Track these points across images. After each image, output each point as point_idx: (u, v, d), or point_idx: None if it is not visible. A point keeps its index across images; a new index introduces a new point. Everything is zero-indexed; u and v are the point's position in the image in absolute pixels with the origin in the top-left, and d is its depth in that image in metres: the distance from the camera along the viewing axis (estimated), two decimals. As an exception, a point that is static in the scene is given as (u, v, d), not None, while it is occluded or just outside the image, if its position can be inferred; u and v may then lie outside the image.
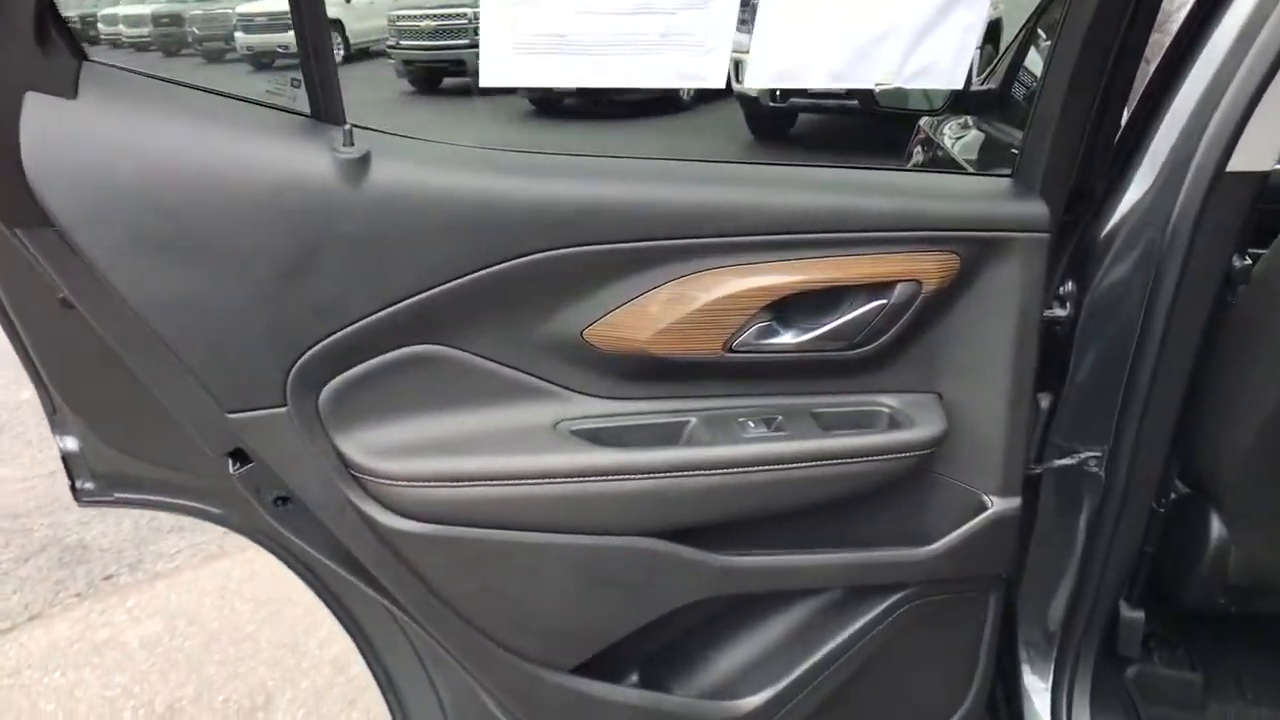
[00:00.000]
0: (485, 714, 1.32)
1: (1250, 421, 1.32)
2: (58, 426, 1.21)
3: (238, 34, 12.31)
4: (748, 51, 1.07)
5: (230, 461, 1.10)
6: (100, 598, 2.61)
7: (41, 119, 0.88)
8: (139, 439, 1.20)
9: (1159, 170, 1.19)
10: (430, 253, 1.02)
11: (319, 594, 1.32)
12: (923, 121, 3.70)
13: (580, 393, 1.17)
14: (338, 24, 12.25)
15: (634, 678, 1.35)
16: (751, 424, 1.18)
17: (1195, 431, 1.37)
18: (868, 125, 6.59)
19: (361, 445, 1.08)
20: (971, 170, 3.15)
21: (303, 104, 0.99)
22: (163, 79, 0.99)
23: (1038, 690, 1.48)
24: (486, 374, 1.12)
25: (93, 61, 0.93)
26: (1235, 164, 1.16)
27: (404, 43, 11.18)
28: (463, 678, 1.30)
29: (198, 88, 1.01)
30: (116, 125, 0.92)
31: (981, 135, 3.34)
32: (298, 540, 1.17)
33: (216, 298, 0.97)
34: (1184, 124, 1.17)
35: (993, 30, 5.25)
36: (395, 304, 1.02)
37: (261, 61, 11.75)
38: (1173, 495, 1.43)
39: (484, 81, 1.03)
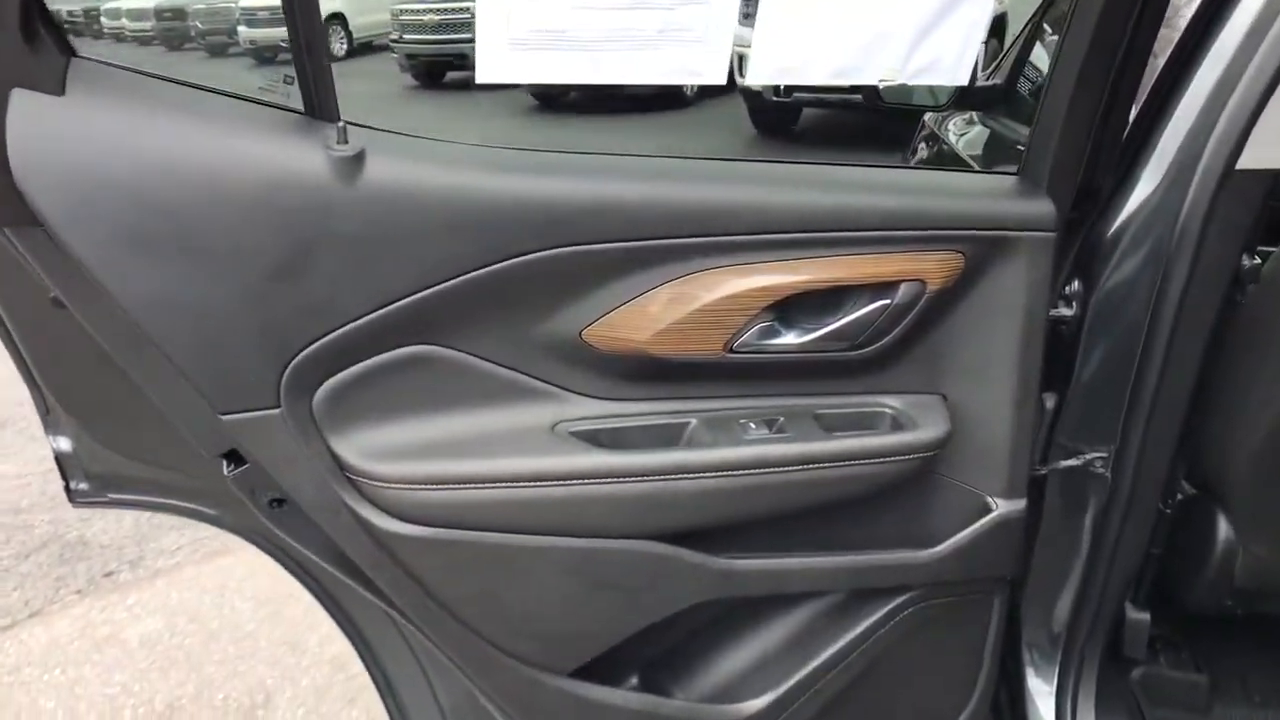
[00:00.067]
0: (485, 718, 1.31)
1: (1258, 422, 1.30)
2: (51, 427, 1.20)
3: (241, 28, 12.30)
4: (750, 46, 1.06)
5: (225, 463, 1.09)
6: (101, 595, 2.61)
7: (28, 116, 0.86)
8: (133, 439, 1.19)
9: (1167, 168, 1.18)
10: (426, 252, 1.00)
11: (316, 596, 1.31)
12: (927, 117, 3.68)
13: (579, 394, 1.15)
14: (340, 18, 12.27)
15: (634, 681, 1.34)
16: (753, 425, 1.17)
17: (1202, 432, 1.35)
18: (872, 120, 6.58)
19: (357, 447, 1.07)
20: (977, 167, 3.14)
21: (296, 100, 0.97)
22: (152, 75, 0.97)
23: (1042, 693, 1.46)
24: (484, 375, 1.10)
25: (81, 57, 0.91)
26: (1245, 161, 1.14)
27: (407, 37, 11.19)
28: (462, 681, 1.28)
29: (188, 84, 0.99)
30: (105, 122, 0.90)
31: (987, 131, 3.32)
32: (293, 543, 1.16)
33: (208, 297, 0.95)
34: (1193, 121, 1.15)
35: (997, 25, 5.23)
36: (390, 304, 1.01)
37: (264, 56, 11.72)
38: (1179, 496, 1.41)
39: (480, 78, 1.01)
